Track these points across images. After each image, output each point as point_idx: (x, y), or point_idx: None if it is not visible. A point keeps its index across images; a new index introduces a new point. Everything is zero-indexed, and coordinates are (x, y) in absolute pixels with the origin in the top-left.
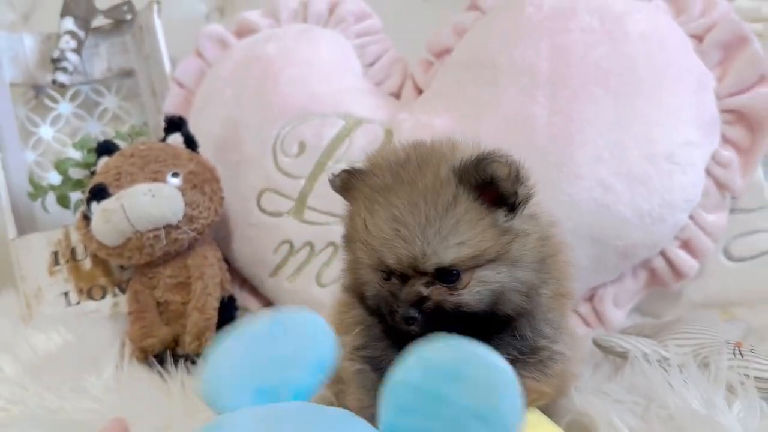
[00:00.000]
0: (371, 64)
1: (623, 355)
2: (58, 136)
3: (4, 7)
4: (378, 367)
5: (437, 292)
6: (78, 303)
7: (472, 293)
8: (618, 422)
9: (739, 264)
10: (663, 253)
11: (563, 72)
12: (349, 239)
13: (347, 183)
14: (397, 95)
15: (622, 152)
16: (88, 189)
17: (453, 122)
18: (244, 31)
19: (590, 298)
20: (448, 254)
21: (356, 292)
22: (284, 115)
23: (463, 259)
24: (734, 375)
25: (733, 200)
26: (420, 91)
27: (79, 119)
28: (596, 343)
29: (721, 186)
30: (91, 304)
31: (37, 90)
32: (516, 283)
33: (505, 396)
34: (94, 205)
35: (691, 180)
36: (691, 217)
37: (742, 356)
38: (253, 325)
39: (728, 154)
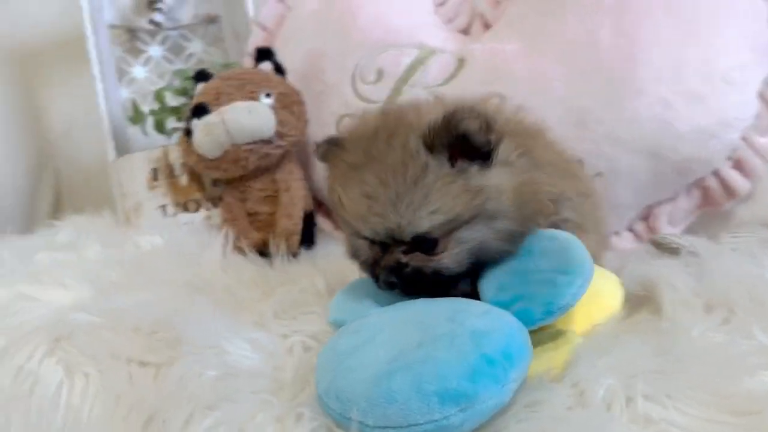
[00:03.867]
0: (442, 4)
1: (676, 251)
2: (149, 76)
3: None
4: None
5: (416, 259)
6: (174, 215)
7: (451, 256)
8: (678, 282)
9: None
10: (716, 173)
11: None
12: (333, 207)
13: (327, 154)
14: (465, 32)
15: (681, 71)
16: (190, 107)
17: (522, 47)
18: None
19: (646, 217)
20: (422, 224)
21: (351, 251)
22: (363, 47)
23: (437, 226)
24: None
25: None
26: (488, 28)
27: (168, 62)
28: (653, 242)
29: None
30: (186, 216)
31: (132, 33)
32: (496, 235)
33: (577, 252)
34: (195, 121)
35: (744, 100)
36: (744, 139)
37: None
38: None
39: None
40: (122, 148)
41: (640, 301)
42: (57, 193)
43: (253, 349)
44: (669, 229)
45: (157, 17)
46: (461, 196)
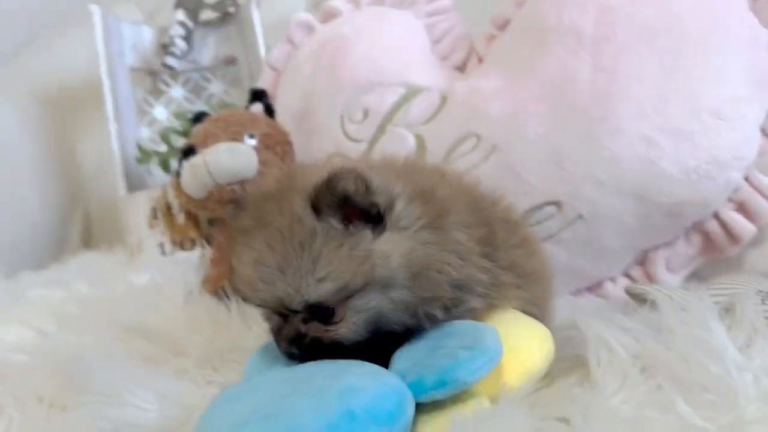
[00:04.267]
0: (438, 41)
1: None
2: (171, 117)
3: (132, 7)
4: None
5: (314, 329)
6: (172, 253)
7: (348, 326)
8: (617, 343)
9: None
10: (717, 216)
11: (608, 31)
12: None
13: (232, 215)
14: (461, 68)
15: (666, 107)
16: (181, 148)
17: (501, 84)
18: (328, 17)
19: (642, 262)
20: (311, 292)
21: (264, 315)
22: (352, 86)
23: (326, 294)
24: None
25: None
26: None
27: (189, 102)
28: (628, 292)
29: None
30: (182, 254)
31: (154, 75)
32: (392, 305)
33: (487, 333)
34: (184, 162)
35: (741, 137)
36: (746, 179)
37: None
38: None
39: None
40: (138, 186)
41: (571, 361)
42: (86, 229)
43: (158, 399)
44: (668, 276)
45: (170, 61)
46: (349, 261)
